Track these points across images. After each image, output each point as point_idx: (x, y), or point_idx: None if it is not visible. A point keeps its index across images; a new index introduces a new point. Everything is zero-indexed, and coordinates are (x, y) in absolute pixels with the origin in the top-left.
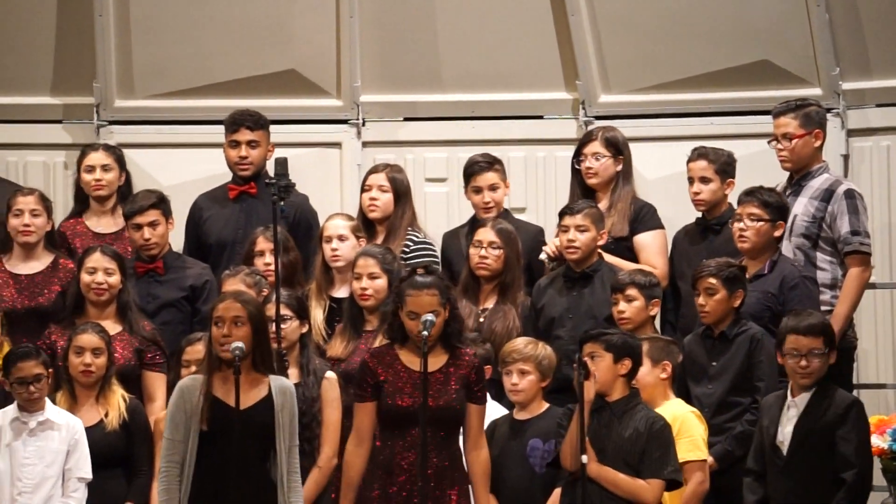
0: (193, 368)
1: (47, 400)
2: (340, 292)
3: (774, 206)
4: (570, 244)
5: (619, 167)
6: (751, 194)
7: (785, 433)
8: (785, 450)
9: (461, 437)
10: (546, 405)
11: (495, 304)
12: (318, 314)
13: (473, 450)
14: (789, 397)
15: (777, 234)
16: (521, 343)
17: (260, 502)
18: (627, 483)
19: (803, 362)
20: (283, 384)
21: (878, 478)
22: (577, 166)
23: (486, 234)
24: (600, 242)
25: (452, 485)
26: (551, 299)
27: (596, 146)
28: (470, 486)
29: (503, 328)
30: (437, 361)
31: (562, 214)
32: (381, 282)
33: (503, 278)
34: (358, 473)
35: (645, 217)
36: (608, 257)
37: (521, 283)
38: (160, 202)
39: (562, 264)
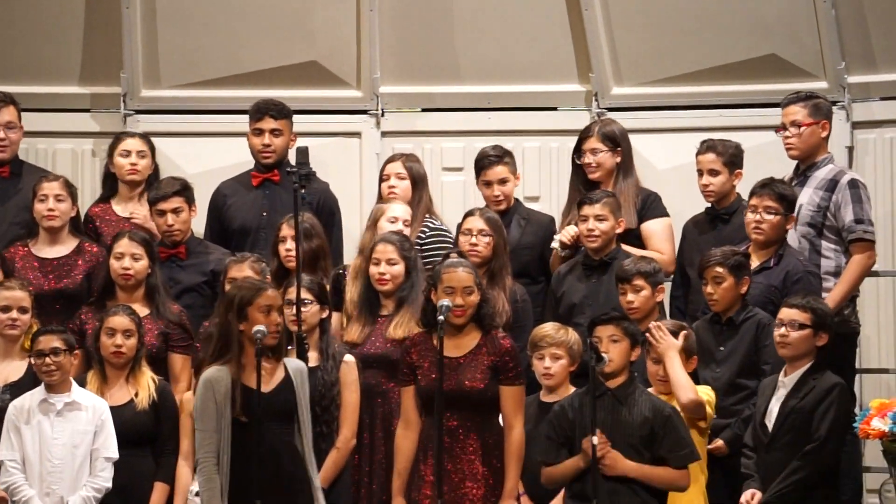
0: None
1: (73, 381)
2: None
3: (789, 198)
4: (589, 233)
5: (618, 159)
6: (766, 186)
7: (772, 412)
8: (770, 427)
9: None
10: (573, 389)
11: None
12: (353, 291)
13: (506, 430)
14: (780, 377)
15: (789, 226)
16: (551, 328)
17: (292, 479)
18: (663, 474)
19: (783, 330)
20: (297, 364)
21: (879, 459)
22: (577, 161)
23: (475, 222)
24: (618, 231)
25: (484, 465)
26: (571, 286)
27: (593, 142)
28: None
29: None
30: (468, 344)
31: (581, 204)
32: (399, 267)
33: (492, 265)
34: (407, 456)
35: (650, 206)
36: (624, 245)
37: (510, 270)
38: (184, 189)
39: (573, 252)
